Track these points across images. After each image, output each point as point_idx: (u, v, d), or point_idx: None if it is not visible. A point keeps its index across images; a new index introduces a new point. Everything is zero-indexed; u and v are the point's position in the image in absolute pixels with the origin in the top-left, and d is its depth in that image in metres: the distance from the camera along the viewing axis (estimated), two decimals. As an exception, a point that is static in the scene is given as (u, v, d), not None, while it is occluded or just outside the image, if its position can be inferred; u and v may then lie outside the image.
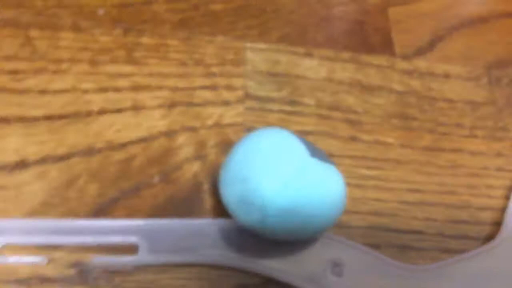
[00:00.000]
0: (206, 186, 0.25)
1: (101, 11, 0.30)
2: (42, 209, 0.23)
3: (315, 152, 0.23)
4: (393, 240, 0.26)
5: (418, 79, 0.31)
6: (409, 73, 0.32)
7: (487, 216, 0.28)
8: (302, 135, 0.28)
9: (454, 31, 0.34)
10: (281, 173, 0.21)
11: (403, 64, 0.32)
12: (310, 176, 0.21)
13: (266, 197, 0.21)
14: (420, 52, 0.32)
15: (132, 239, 0.22)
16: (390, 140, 0.29)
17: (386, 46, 0.32)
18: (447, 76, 0.32)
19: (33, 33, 0.28)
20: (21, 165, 0.23)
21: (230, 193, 0.22)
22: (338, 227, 0.25)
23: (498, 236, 0.27)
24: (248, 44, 0.30)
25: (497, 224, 0.28)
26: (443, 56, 0.33)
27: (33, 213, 0.22)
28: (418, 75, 0.32)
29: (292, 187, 0.21)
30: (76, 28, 0.29)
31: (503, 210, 0.28)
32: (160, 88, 0.28)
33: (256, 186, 0.21)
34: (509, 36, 0.34)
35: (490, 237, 0.27)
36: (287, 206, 0.21)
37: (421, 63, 0.32)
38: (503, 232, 0.27)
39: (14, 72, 0.27)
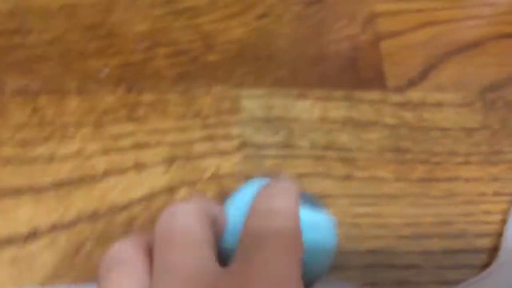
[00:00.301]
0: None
1: (104, 72, 0.32)
2: (54, 277, 0.25)
3: (303, 199, 0.23)
4: (391, 276, 0.27)
5: (411, 110, 0.32)
6: (402, 105, 0.32)
7: (485, 242, 0.29)
8: (298, 178, 0.29)
9: (445, 59, 0.34)
10: None
11: (395, 97, 0.33)
12: None
13: None
14: (413, 83, 0.33)
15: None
16: (384, 175, 0.30)
17: (378, 80, 0.33)
18: (440, 104, 0.33)
19: (42, 100, 0.31)
20: (33, 235, 0.26)
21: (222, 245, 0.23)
22: (335, 268, 0.27)
23: (494, 262, 0.28)
24: (244, 92, 0.32)
25: (495, 250, 0.28)
26: (436, 85, 0.33)
27: (46, 281, 0.24)
28: (411, 106, 0.32)
29: None
30: (81, 91, 0.31)
31: (500, 235, 0.29)
32: (160, 144, 0.30)
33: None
34: (501, 57, 0.35)
35: (488, 264, 0.28)
36: None
37: (413, 94, 0.33)
38: (500, 257, 0.28)
39: (24, 141, 0.29)
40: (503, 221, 0.29)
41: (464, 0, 0.37)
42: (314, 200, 0.24)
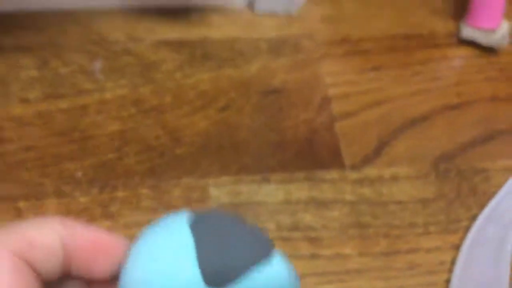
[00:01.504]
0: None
1: (79, 174, 0.34)
2: None
3: (220, 265, 0.18)
4: None
5: (369, 186, 0.34)
6: (360, 182, 0.34)
7: (450, 311, 0.30)
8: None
9: (397, 134, 0.36)
10: None
11: (353, 175, 0.34)
12: None
13: None
14: (368, 160, 0.35)
15: None
16: (348, 251, 0.31)
17: (336, 159, 0.35)
18: (395, 178, 0.34)
19: (22, 205, 0.32)
20: None
21: None
22: None
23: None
24: (211, 181, 0.34)
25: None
26: (390, 160, 0.35)
27: None
28: (368, 182, 0.34)
29: None
30: (58, 194, 0.33)
31: (464, 303, 0.30)
32: (134, 237, 0.31)
33: None
34: (451, 128, 0.37)
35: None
36: None
37: (370, 171, 0.35)
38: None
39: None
40: (465, 288, 0.30)
41: (409, 77, 0.39)
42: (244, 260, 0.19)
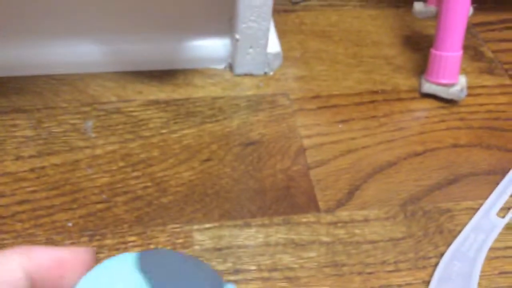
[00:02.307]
0: None
1: (70, 224, 0.35)
2: None
3: None
4: None
5: (342, 228, 0.36)
6: (334, 224, 0.36)
7: None
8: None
9: (368, 179, 0.39)
10: None
11: (327, 217, 0.37)
12: None
13: None
14: (341, 203, 0.37)
15: None
16: (325, 289, 0.33)
17: (311, 204, 0.37)
18: (367, 220, 0.37)
19: (15, 254, 0.34)
20: None
21: None
22: None
23: None
24: (195, 226, 0.36)
25: None
26: (362, 203, 0.38)
27: None
28: (342, 224, 0.36)
29: None
30: (50, 243, 0.34)
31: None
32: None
33: None
34: (416, 173, 0.40)
35: None
36: None
37: (343, 213, 0.37)
38: None
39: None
40: (436, 320, 0.32)
41: (376, 128, 0.43)
42: None
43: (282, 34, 0.50)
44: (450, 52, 0.44)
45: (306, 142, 0.41)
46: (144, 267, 0.17)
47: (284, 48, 0.48)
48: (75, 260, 0.19)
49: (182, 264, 0.18)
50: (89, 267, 0.19)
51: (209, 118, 0.42)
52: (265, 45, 0.45)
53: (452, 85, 0.45)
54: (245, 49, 0.45)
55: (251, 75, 0.46)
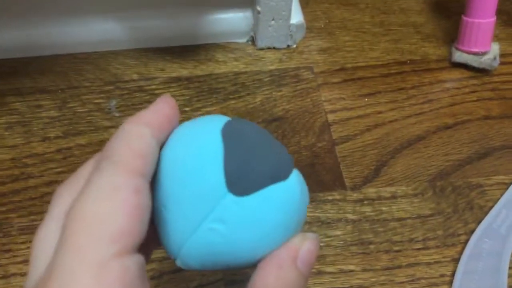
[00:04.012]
0: None
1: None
2: None
3: (244, 174, 0.19)
4: None
5: (369, 205, 0.35)
6: (360, 201, 0.35)
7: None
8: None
9: (395, 155, 0.38)
10: (193, 218, 0.19)
11: (354, 195, 0.36)
12: (227, 218, 0.18)
13: (178, 246, 0.19)
14: (368, 180, 0.36)
15: None
16: (352, 267, 0.32)
17: (337, 181, 0.36)
18: (394, 197, 0.36)
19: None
20: None
21: (156, 205, 0.20)
22: None
23: None
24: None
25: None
26: (389, 179, 0.36)
27: None
28: (368, 202, 0.35)
29: (205, 237, 0.19)
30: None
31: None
32: None
33: (172, 226, 0.19)
34: (445, 148, 0.38)
35: None
36: (206, 255, 0.19)
37: (369, 190, 0.36)
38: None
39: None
40: (466, 299, 0.31)
41: (403, 100, 0.41)
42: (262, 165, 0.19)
43: (304, 4, 0.48)
44: (482, 19, 0.41)
45: (331, 117, 0.40)
46: (227, 133, 0.19)
47: (307, 19, 0.46)
48: (176, 115, 0.21)
49: (261, 141, 0.20)
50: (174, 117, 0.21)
51: (232, 94, 0.41)
52: (288, 17, 0.43)
53: (484, 53, 0.42)
54: (267, 22, 0.43)
55: (273, 48, 0.45)
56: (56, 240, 0.18)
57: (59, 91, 0.42)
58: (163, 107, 0.20)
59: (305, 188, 0.20)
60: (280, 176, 0.19)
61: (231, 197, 0.18)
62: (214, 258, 0.19)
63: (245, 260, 0.19)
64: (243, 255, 0.19)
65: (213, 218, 0.18)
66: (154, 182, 0.19)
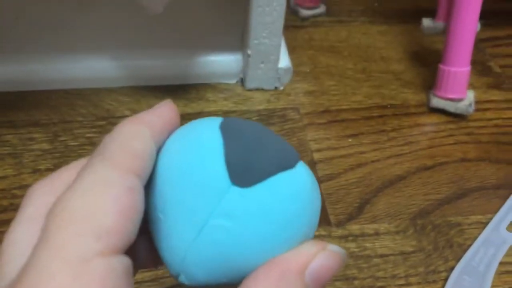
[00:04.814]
0: None
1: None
2: None
3: (247, 164, 0.17)
4: None
5: (353, 241, 0.36)
6: (345, 237, 0.36)
7: None
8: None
9: (378, 193, 0.39)
10: (195, 219, 0.17)
11: (338, 231, 0.36)
12: (233, 214, 0.17)
13: (180, 252, 0.17)
14: (352, 217, 0.37)
15: None
16: (336, 302, 0.33)
17: (322, 217, 0.37)
18: (377, 234, 0.36)
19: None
20: None
21: (153, 214, 0.18)
22: None
23: None
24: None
25: None
26: (372, 217, 0.37)
27: None
28: (352, 238, 0.36)
29: (209, 237, 0.17)
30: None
31: None
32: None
33: (173, 232, 0.17)
34: (425, 187, 0.39)
35: None
36: (208, 258, 0.17)
37: (354, 227, 0.37)
38: None
39: None
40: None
41: (385, 142, 0.42)
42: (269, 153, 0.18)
43: (292, 50, 0.50)
44: (458, 67, 0.44)
45: (317, 156, 0.41)
46: (226, 129, 0.18)
47: (294, 63, 0.48)
48: (176, 118, 0.20)
49: (262, 134, 0.18)
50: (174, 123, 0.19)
51: (221, 132, 0.42)
52: (276, 61, 0.45)
53: (460, 100, 0.45)
54: (257, 64, 0.45)
55: (262, 89, 0.46)
56: (29, 243, 0.16)
57: (52, 124, 0.42)
58: (164, 110, 0.19)
59: (315, 179, 0.19)
60: (286, 164, 0.17)
61: (236, 189, 0.17)
62: (222, 263, 0.17)
63: (256, 261, 0.17)
64: (254, 256, 0.17)
65: (218, 214, 0.17)
66: (150, 189, 0.18)
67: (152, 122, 0.18)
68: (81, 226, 0.15)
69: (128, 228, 0.16)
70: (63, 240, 0.15)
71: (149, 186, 0.18)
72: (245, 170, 0.17)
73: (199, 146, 0.18)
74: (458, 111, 0.45)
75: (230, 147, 0.17)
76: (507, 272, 0.35)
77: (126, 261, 0.16)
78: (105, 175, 0.16)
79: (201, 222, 0.17)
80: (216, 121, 0.19)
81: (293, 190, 0.17)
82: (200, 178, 0.17)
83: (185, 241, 0.17)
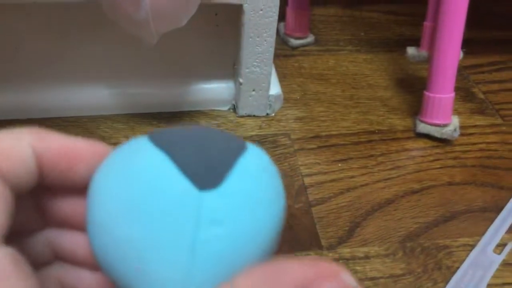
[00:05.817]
0: None
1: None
2: None
3: (204, 164, 0.16)
4: None
5: (344, 265, 0.36)
6: (336, 260, 0.36)
7: None
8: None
9: (367, 216, 0.39)
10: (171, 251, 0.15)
11: (329, 254, 0.36)
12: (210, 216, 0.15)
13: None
14: (342, 240, 0.37)
15: None
16: (328, 325, 0.32)
17: (313, 241, 0.37)
18: (367, 257, 0.36)
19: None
20: None
21: (120, 273, 0.16)
22: None
23: None
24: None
25: None
26: (362, 240, 0.37)
27: None
28: (343, 261, 0.36)
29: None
30: None
31: None
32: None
33: (159, 273, 0.15)
34: (413, 211, 0.40)
35: None
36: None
37: (344, 250, 0.37)
38: None
39: None
40: None
41: (373, 166, 0.43)
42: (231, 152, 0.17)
43: (282, 78, 0.51)
44: (442, 94, 0.45)
45: (307, 180, 0.41)
46: (159, 142, 0.16)
47: (284, 91, 0.49)
48: (87, 152, 0.18)
49: (202, 133, 0.17)
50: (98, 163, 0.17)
51: (214, 158, 0.42)
52: (267, 88, 0.46)
53: (445, 125, 0.45)
54: (248, 92, 0.45)
55: (253, 116, 0.47)
56: None
57: (47, 152, 0.42)
58: (76, 141, 0.18)
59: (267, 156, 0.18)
60: (239, 148, 0.16)
61: (208, 193, 0.15)
62: (230, 270, 0.15)
63: (264, 245, 0.15)
64: (259, 244, 0.15)
65: (204, 225, 0.15)
66: (102, 250, 0.16)
67: (41, 134, 0.17)
68: None
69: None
70: None
71: (100, 250, 0.16)
72: (206, 171, 0.15)
73: (144, 171, 0.15)
74: (443, 136, 0.46)
75: (177, 156, 0.15)
76: (495, 293, 0.35)
77: (10, 250, 0.15)
78: None
79: (189, 243, 0.15)
80: (143, 139, 0.17)
81: (260, 166, 0.17)
82: (165, 201, 0.15)
83: (180, 270, 0.15)
